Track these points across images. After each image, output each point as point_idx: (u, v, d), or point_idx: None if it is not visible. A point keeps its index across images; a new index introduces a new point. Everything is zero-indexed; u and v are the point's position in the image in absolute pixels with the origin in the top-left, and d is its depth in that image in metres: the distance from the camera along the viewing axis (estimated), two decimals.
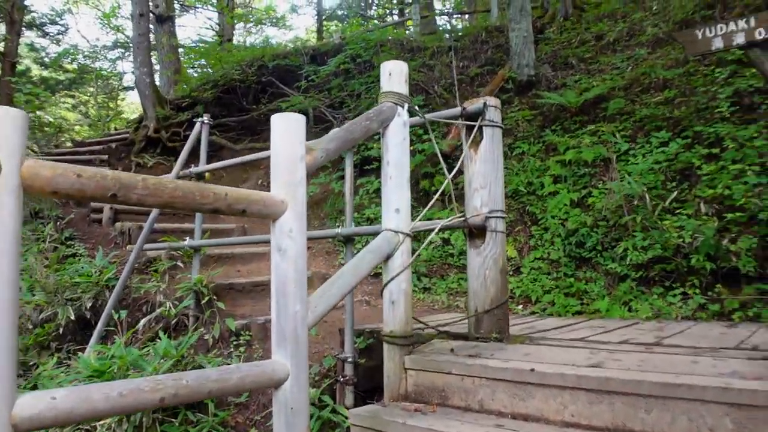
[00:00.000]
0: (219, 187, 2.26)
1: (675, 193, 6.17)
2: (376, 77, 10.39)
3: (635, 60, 8.84)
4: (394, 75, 3.33)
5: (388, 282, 3.20)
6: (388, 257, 3.18)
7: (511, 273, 6.90)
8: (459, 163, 3.50)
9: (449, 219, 3.49)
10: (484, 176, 3.51)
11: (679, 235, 5.60)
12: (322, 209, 8.96)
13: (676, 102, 7.36)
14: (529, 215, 7.52)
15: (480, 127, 3.51)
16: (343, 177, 7.26)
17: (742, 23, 5.79)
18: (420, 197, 8.63)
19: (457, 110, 3.58)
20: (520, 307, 6.33)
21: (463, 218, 3.50)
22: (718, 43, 5.97)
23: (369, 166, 8.77)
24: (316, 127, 10.73)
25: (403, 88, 3.33)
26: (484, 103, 3.49)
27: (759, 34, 5.70)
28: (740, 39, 5.80)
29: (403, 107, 3.29)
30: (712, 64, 7.52)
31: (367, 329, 4.46)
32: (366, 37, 11.95)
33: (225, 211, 2.30)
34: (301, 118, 2.54)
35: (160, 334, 4.95)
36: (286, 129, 2.48)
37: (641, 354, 2.97)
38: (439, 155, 3.73)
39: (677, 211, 6.04)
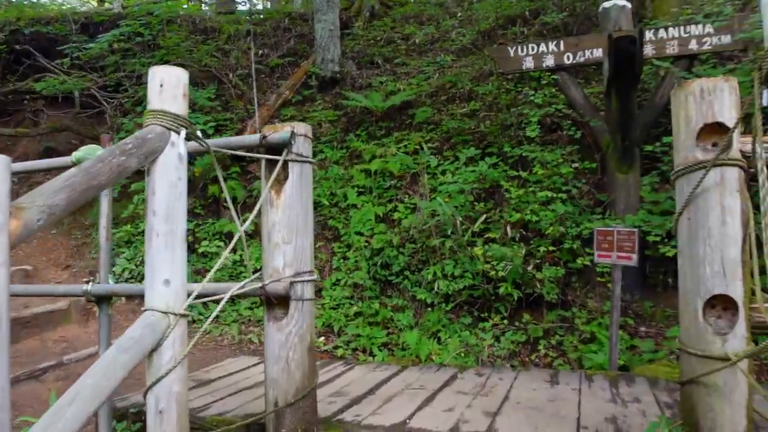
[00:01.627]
0: None
1: (483, 216, 5.91)
2: (161, 58, 8.93)
3: (441, 66, 8.60)
4: (167, 86, 2.34)
5: (154, 384, 2.22)
6: (153, 351, 2.22)
7: None
8: (255, 210, 2.62)
9: (240, 284, 2.60)
10: (288, 227, 2.67)
11: (492, 266, 5.31)
12: (86, 217, 7.41)
13: (481, 116, 7.19)
14: (331, 230, 6.87)
15: (285, 162, 2.68)
16: None
17: (552, 46, 5.65)
18: (209, 204, 7.53)
19: (256, 138, 2.69)
20: (322, 339, 5.63)
21: (259, 284, 2.64)
22: (528, 63, 5.80)
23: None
24: (84, 112, 8.99)
25: (181, 106, 2.35)
26: (292, 132, 2.64)
27: (567, 59, 5.61)
28: (550, 61, 5.67)
29: (179, 133, 2.31)
30: (514, 79, 7.48)
31: (131, 407, 3.38)
32: (150, 9, 10.29)
33: None
34: (4, 160, 1.50)
35: None
36: None
37: None
38: (225, 191, 2.81)
39: (486, 235, 5.80)
